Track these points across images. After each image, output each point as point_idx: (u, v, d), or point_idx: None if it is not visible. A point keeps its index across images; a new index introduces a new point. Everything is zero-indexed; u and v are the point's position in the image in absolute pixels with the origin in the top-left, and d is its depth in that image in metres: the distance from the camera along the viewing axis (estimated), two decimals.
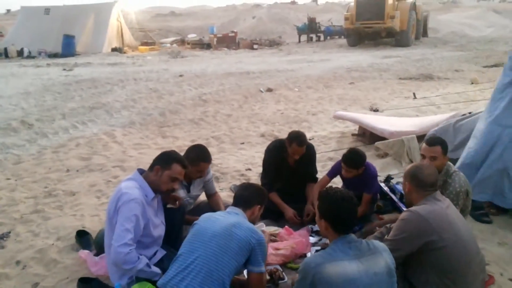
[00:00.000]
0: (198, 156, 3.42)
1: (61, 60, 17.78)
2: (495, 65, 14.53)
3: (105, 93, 10.43)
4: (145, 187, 2.81)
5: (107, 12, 22.41)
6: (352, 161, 3.65)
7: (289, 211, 3.83)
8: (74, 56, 19.49)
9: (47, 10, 22.79)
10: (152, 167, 2.88)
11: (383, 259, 2.16)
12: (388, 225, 2.89)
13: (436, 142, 3.22)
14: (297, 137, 3.76)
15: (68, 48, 19.93)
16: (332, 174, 3.98)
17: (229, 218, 2.51)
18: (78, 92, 10.50)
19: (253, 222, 2.73)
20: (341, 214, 2.22)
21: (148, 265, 2.63)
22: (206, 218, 2.57)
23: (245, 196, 2.71)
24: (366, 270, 2.09)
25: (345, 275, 2.06)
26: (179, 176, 2.88)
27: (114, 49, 21.57)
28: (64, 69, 14.61)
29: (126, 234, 2.55)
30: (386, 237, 2.59)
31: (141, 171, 2.93)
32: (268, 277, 2.99)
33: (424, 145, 3.28)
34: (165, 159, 2.88)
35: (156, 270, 2.66)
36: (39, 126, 7.53)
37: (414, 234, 2.43)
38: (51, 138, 6.96)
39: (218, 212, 2.75)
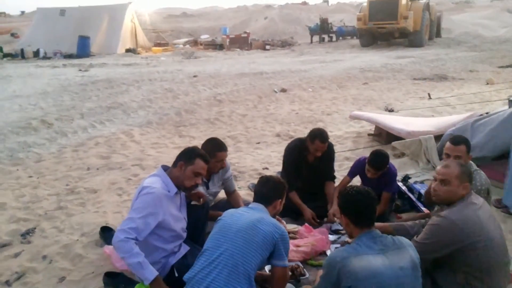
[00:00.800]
0: (214, 147, 3.46)
1: (76, 61, 18.03)
2: (510, 66, 14.40)
3: (122, 93, 10.57)
4: (168, 182, 2.87)
5: (122, 13, 22.70)
6: (380, 163, 3.71)
7: (308, 213, 3.87)
8: (89, 57, 19.75)
9: (62, 11, 23.13)
10: (175, 163, 2.94)
11: (408, 254, 2.19)
12: (417, 221, 2.91)
13: (461, 141, 3.25)
14: (320, 134, 3.82)
15: (83, 49, 20.22)
16: (352, 174, 4.03)
17: (253, 214, 2.56)
18: (95, 92, 10.65)
19: (276, 215, 2.80)
20: (358, 208, 2.27)
21: (140, 264, 2.49)
22: (230, 214, 2.62)
23: (264, 193, 2.74)
24: (391, 264, 2.12)
25: (370, 269, 2.09)
26: (202, 171, 2.92)
27: (128, 50, 21.82)
28: (80, 70, 14.82)
29: (129, 222, 2.59)
30: (415, 238, 2.58)
31: (165, 168, 3.00)
32: (289, 273, 3.05)
33: (448, 144, 3.29)
34: (189, 154, 2.94)
35: (150, 276, 2.49)
36: (59, 125, 7.67)
37: (446, 241, 2.44)
38: (71, 137, 7.09)
39: (241, 208, 2.80)
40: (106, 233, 3.68)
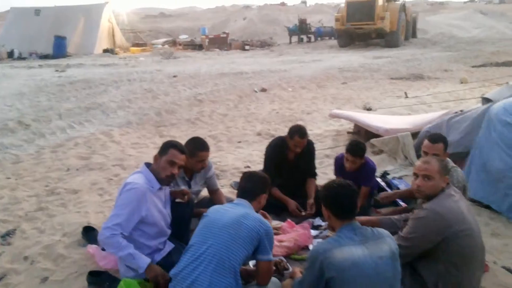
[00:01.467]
0: (195, 147, 3.46)
1: (52, 61, 17.70)
2: (483, 65, 14.84)
3: (100, 94, 10.45)
4: (151, 178, 2.89)
5: (99, 13, 22.39)
6: (358, 150, 3.79)
7: (292, 204, 3.95)
8: (65, 57, 19.42)
9: (37, 11, 22.66)
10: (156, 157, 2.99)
11: (387, 244, 2.27)
12: (403, 215, 3.00)
13: (438, 139, 3.32)
14: (299, 130, 3.92)
15: (59, 49, 19.86)
16: (340, 172, 4.10)
17: (238, 210, 2.59)
18: (73, 93, 10.50)
19: (260, 209, 2.86)
20: (339, 199, 2.33)
21: (131, 255, 2.62)
22: (216, 210, 2.65)
23: (248, 188, 2.76)
24: (371, 254, 2.19)
25: (352, 260, 2.16)
26: (177, 160, 2.92)
27: (105, 50, 21.54)
28: (57, 70, 14.56)
29: (114, 218, 2.66)
30: (400, 233, 2.64)
31: (148, 165, 3.02)
32: (273, 268, 3.10)
33: (426, 142, 3.36)
34: (163, 146, 2.99)
35: (143, 264, 2.64)
36: (36, 126, 7.55)
37: (432, 233, 2.50)
38: (49, 138, 6.98)
39: (226, 204, 2.82)
40: (89, 233, 3.67)
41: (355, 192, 2.38)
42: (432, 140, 3.34)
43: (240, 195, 2.79)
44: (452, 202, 2.57)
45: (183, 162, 3.00)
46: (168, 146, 2.95)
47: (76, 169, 5.58)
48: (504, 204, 4.01)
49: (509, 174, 3.96)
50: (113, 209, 2.79)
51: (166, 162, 2.89)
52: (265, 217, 3.87)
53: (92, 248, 3.37)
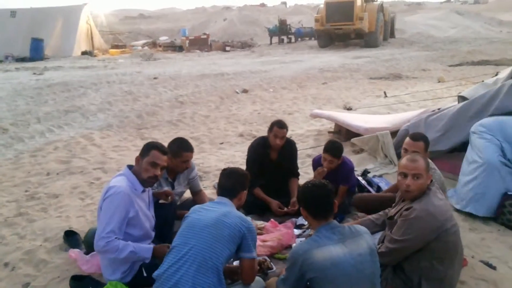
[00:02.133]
0: (179, 147, 3.47)
1: (30, 64, 17.37)
2: (460, 64, 15.18)
3: (79, 97, 10.33)
4: (134, 181, 2.89)
5: (76, 14, 22.09)
6: (335, 149, 3.85)
7: (274, 204, 3.98)
8: (43, 60, 19.09)
9: (13, 13, 22.18)
10: (137, 159, 2.98)
11: (365, 241, 2.30)
12: (387, 210, 3.03)
13: (420, 137, 3.38)
14: (277, 121, 4.03)
15: (36, 51, 19.50)
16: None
17: (219, 209, 2.60)
18: (51, 96, 10.34)
19: (241, 206, 2.87)
20: (315, 200, 2.35)
21: (133, 252, 2.68)
22: (197, 210, 2.66)
23: (229, 186, 2.75)
24: (350, 252, 2.22)
25: (332, 259, 2.19)
26: (159, 161, 2.92)
27: (84, 53, 21.24)
28: (34, 73, 14.31)
29: (106, 227, 2.66)
30: (393, 236, 2.62)
31: (130, 167, 3.01)
32: (257, 267, 3.12)
33: (408, 139, 3.40)
34: (144, 148, 2.98)
35: (147, 254, 2.74)
36: (14, 130, 7.41)
37: (427, 232, 2.50)
38: (27, 143, 6.87)
39: (207, 203, 2.83)
40: (70, 237, 3.63)
41: (330, 192, 2.39)
42: (413, 138, 3.40)
43: (220, 193, 2.78)
44: (440, 200, 2.61)
45: (165, 163, 2.99)
46: (150, 148, 2.95)
47: (57, 173, 5.51)
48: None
49: None
50: (101, 216, 2.76)
51: (148, 163, 2.89)
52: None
53: (74, 252, 3.34)
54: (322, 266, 2.17)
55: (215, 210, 2.58)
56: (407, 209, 2.61)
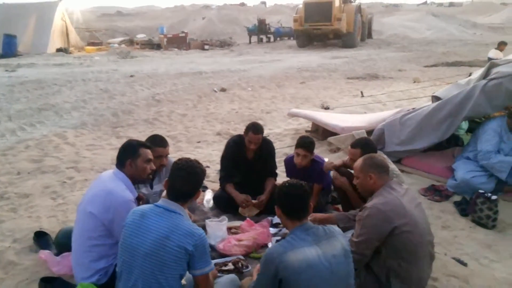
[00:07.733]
0: (152, 142, 3.41)
1: (2, 61, 16.88)
2: (435, 65, 15.48)
3: (53, 94, 10.09)
4: (130, 186, 2.83)
5: (51, 11, 21.58)
6: (309, 143, 3.84)
7: (240, 197, 3.90)
8: (16, 57, 18.56)
9: None
10: (123, 163, 2.86)
11: (339, 242, 2.28)
12: (358, 210, 3.04)
13: (356, 145, 3.46)
14: (253, 126, 3.94)
15: (9, 48, 18.98)
16: (290, 173, 4.12)
17: (160, 226, 2.27)
18: (24, 94, 10.08)
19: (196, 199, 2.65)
20: (289, 199, 2.32)
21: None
22: (134, 229, 2.32)
23: (185, 190, 2.39)
24: (324, 253, 2.19)
25: (307, 261, 2.15)
26: (150, 156, 2.95)
27: (59, 50, 20.79)
28: (6, 70, 13.94)
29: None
30: (352, 238, 2.66)
31: (119, 169, 2.88)
32: (232, 267, 3.09)
33: (348, 146, 3.56)
34: (131, 149, 2.91)
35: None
36: None
37: (378, 230, 2.55)
38: None
39: (151, 208, 2.37)
40: (41, 238, 3.53)
41: (306, 192, 2.34)
42: (352, 145, 3.49)
43: (171, 196, 2.38)
44: (393, 196, 2.63)
45: (152, 156, 3.03)
46: (136, 148, 2.91)
47: (28, 172, 5.36)
48: None
49: None
50: (116, 227, 2.61)
51: (143, 162, 2.88)
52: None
53: (44, 253, 3.25)
54: (297, 268, 2.13)
55: (156, 230, 2.26)
56: (361, 210, 2.72)
